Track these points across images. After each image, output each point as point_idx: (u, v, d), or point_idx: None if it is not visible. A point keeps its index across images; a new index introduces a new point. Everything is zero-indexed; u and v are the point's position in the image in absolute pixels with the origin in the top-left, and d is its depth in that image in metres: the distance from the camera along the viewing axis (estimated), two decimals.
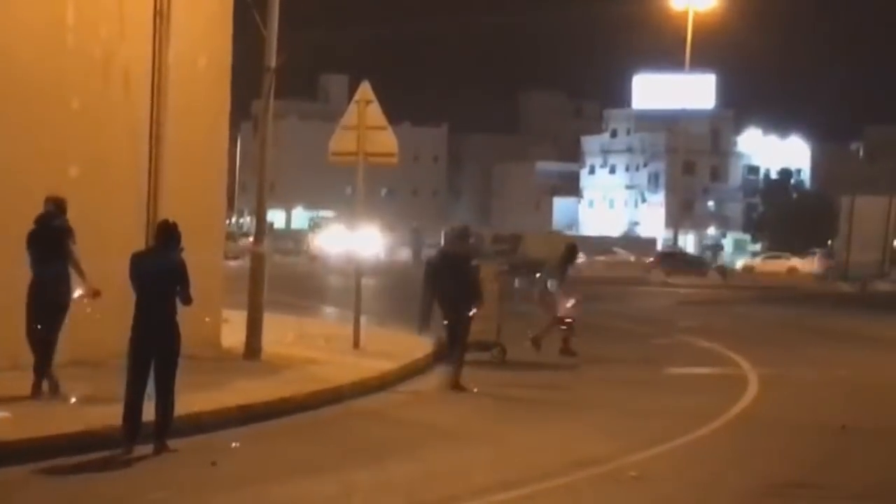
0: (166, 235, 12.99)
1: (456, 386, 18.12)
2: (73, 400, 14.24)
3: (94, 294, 14.91)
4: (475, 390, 17.93)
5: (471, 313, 18.39)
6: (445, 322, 18.50)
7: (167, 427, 12.69)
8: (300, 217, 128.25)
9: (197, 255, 19.70)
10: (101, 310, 15.41)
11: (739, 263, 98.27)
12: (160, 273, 12.81)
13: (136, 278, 12.86)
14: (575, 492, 11.33)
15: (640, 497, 11.21)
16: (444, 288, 18.25)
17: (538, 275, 20.36)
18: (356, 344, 21.43)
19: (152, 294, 12.74)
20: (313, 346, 21.38)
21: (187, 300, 12.96)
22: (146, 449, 12.40)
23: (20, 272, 14.97)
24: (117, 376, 13.03)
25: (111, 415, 12.73)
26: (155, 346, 12.67)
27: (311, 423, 14.90)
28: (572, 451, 13.20)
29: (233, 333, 20.08)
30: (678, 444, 14.02)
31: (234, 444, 12.67)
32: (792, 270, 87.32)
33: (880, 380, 21.43)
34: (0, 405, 13.53)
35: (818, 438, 14.88)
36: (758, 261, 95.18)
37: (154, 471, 11.90)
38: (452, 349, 18.49)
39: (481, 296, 18.62)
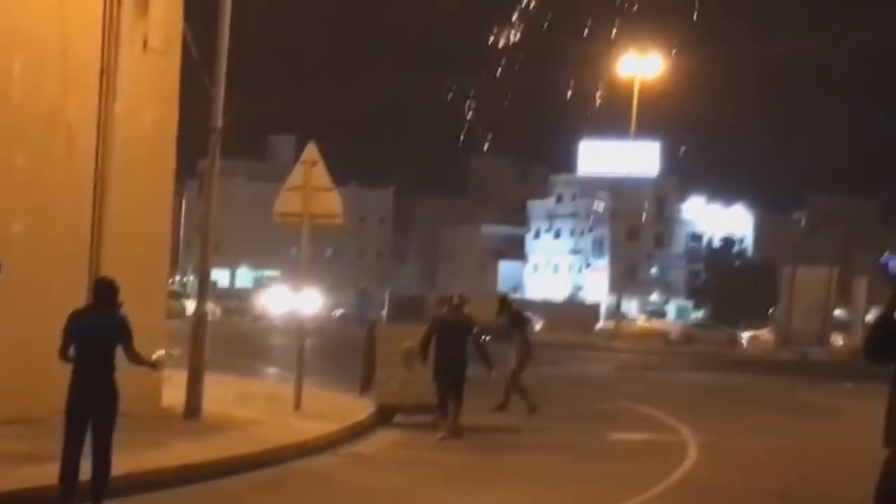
0: (105, 293, 12.79)
1: (457, 433, 19.70)
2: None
3: None
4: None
5: (490, 376, 20.76)
6: (438, 379, 20.10)
7: (104, 488, 12.49)
8: (244, 276, 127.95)
9: (138, 314, 19.63)
10: (43, 365, 15.20)
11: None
12: (101, 330, 12.62)
13: (76, 337, 12.59)
14: None
15: None
16: (447, 349, 20.02)
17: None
18: (297, 405, 21.34)
19: (92, 352, 12.48)
20: (254, 407, 21.30)
21: (133, 357, 12.56)
22: None
23: None
24: (58, 433, 12.88)
25: (48, 475, 12.59)
26: (93, 405, 12.49)
27: (251, 486, 14.76)
28: None
29: (173, 392, 19.96)
30: None
31: None
32: (733, 343, 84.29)
33: (819, 449, 21.52)
34: None
35: None
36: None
37: None
38: (454, 402, 20.01)
39: (489, 357, 20.74)
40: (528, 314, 29.56)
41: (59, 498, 12.19)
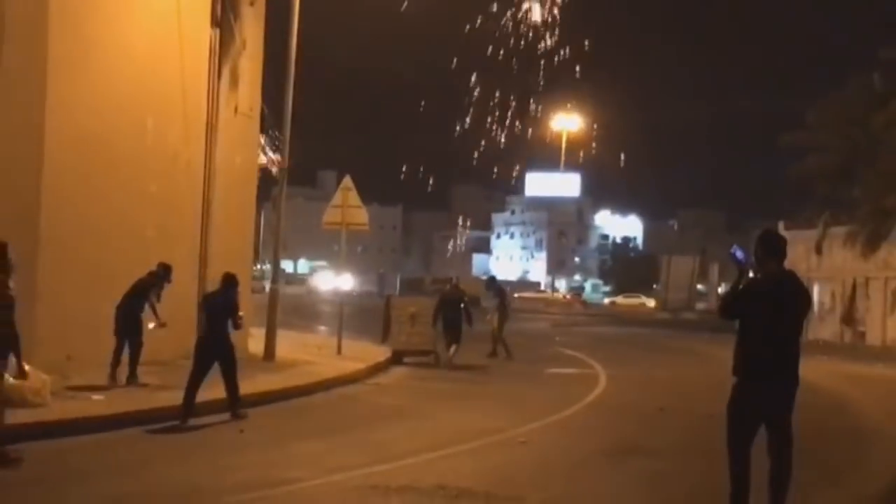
0: (227, 281, 13.12)
1: (452, 366, 20.46)
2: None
3: (162, 325, 14.79)
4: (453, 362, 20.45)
5: (462, 328, 21.39)
6: (445, 333, 21.33)
7: (234, 402, 12.81)
8: (303, 265, 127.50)
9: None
10: (169, 331, 15.23)
11: (606, 300, 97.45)
12: (218, 305, 12.89)
13: (204, 309, 13.14)
14: (483, 452, 11.29)
15: (525, 457, 11.18)
16: (448, 315, 21.33)
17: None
18: (339, 351, 21.31)
19: (212, 318, 12.83)
20: (310, 352, 21.24)
21: (237, 325, 13.00)
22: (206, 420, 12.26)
23: (112, 300, 14.83)
24: (181, 371, 12.92)
25: (173, 398, 12.63)
26: (215, 352, 12.70)
27: (308, 405, 14.79)
28: (480, 425, 13.15)
29: (256, 344, 19.93)
30: (551, 421, 13.99)
31: (241, 431, 12.02)
32: (641, 305, 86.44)
33: (687, 378, 21.50)
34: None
35: (645, 416, 14.93)
36: (619, 298, 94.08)
37: (200, 435, 11.77)
38: (454, 345, 21.11)
39: (471, 318, 21.61)
40: (508, 288, 29.31)
41: (182, 413, 12.24)
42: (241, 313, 13.10)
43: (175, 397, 12.67)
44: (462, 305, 21.42)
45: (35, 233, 14.92)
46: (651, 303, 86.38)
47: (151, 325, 14.66)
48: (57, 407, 11.59)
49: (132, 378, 14.33)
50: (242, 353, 19.16)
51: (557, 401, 16.05)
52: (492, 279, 27.26)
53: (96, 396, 13.04)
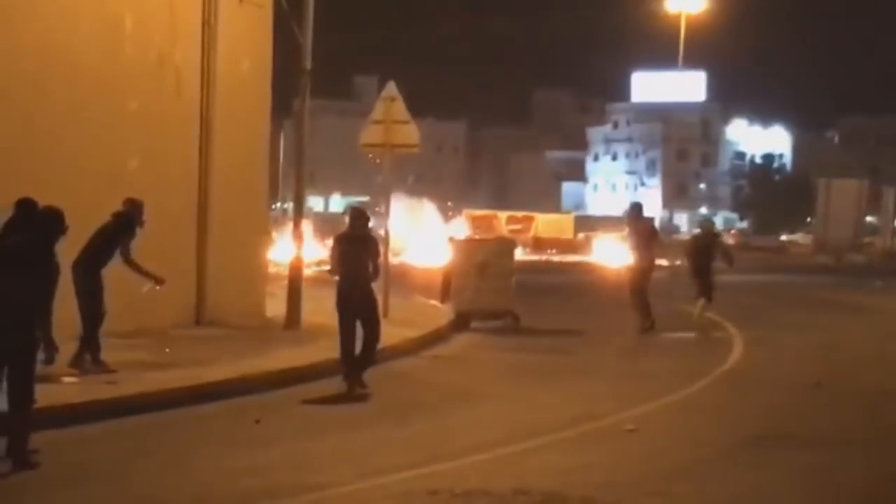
0: (358, 217, 14.46)
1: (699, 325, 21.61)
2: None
3: (160, 283, 14.59)
4: None
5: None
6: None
7: (365, 364, 14.31)
8: (337, 202, 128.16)
9: (243, 237, 19.89)
10: (161, 293, 15.16)
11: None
12: (357, 245, 14.21)
13: (345, 253, 14.27)
14: (578, 444, 11.30)
15: (636, 448, 11.17)
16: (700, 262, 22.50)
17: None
18: (385, 314, 21.30)
19: (356, 264, 14.09)
20: None
21: (377, 272, 14.43)
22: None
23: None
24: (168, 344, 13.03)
25: (171, 378, 12.74)
26: (361, 307, 14.28)
27: (344, 386, 14.88)
28: (576, 409, 13.18)
29: (277, 306, 20.10)
30: (670, 401, 13.98)
31: (257, 421, 12.15)
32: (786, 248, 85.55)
33: (850, 341, 21.33)
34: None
35: (796, 393, 14.81)
36: (797, 236, 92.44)
37: (204, 427, 11.92)
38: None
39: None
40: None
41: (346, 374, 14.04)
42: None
43: (170, 378, 12.81)
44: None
45: None
46: (800, 241, 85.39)
47: (146, 288, 14.54)
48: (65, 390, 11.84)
49: (80, 359, 13.83)
50: (256, 317, 19.53)
51: (678, 375, 16.03)
52: (636, 209, 23.33)
53: (68, 379, 13.25)
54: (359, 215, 14.63)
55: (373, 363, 14.47)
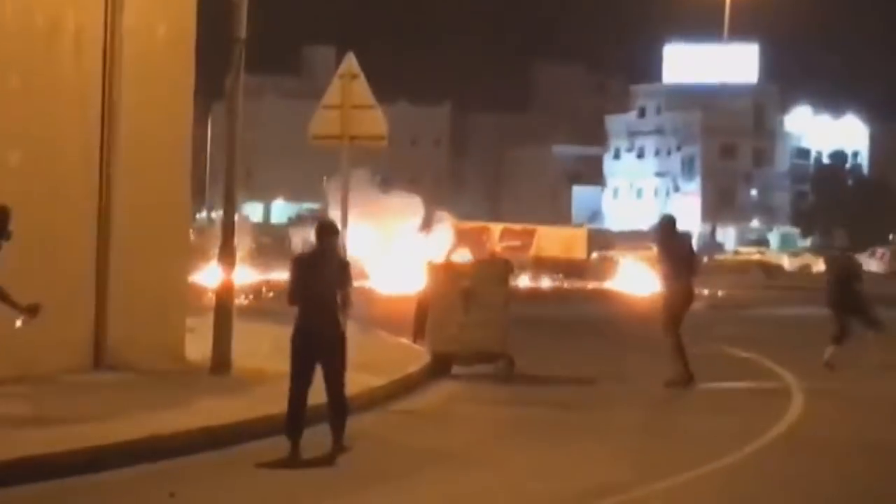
0: (324, 231, 14.69)
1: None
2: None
3: (33, 314, 14.47)
4: None
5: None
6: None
7: (341, 425, 14.50)
8: (281, 210, 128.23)
9: (158, 252, 19.85)
10: (46, 324, 15.14)
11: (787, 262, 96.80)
12: (328, 270, 14.40)
13: (301, 280, 14.55)
14: None
15: None
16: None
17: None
18: None
19: (320, 293, 14.31)
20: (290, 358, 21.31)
21: (347, 303, 14.67)
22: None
23: None
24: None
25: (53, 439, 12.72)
26: (323, 345, 14.41)
27: (287, 449, 14.86)
28: (585, 479, 13.23)
29: (200, 344, 20.03)
30: (708, 471, 13.99)
31: (171, 495, 12.06)
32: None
33: None
34: None
35: (874, 461, 14.84)
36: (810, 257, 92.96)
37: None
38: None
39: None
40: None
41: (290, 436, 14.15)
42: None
43: (58, 437, 12.72)
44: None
45: None
46: (873, 262, 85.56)
47: (19, 322, 14.53)
48: None
49: None
50: (174, 359, 19.47)
51: (719, 437, 16.03)
52: (668, 223, 22.86)
53: None
54: (326, 230, 14.76)
55: (346, 415, 14.44)
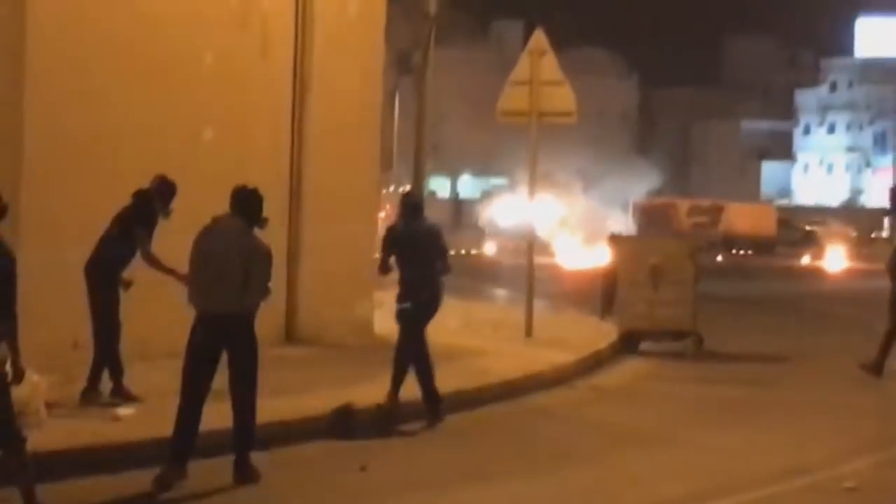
0: (410, 205, 14.93)
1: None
2: None
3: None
4: None
5: None
6: None
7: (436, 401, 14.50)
8: (467, 185, 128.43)
9: (347, 229, 19.97)
10: None
11: None
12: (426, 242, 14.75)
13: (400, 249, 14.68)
14: None
15: None
16: None
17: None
18: (528, 332, 21.40)
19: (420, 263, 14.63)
20: (480, 335, 21.43)
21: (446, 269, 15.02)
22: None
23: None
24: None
25: None
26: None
27: (477, 423, 14.94)
28: (776, 458, 13.12)
29: (388, 319, 20.15)
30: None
31: (362, 468, 12.25)
32: None
33: None
34: None
35: None
36: None
37: (295, 474, 12.05)
38: None
39: None
40: None
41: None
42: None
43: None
44: None
45: (17, 156, 15.45)
46: None
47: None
48: (58, 428, 12.01)
49: (91, 391, 13.88)
50: (363, 334, 19.63)
51: None
52: None
53: (123, 411, 13.47)
54: (413, 204, 15.06)
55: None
